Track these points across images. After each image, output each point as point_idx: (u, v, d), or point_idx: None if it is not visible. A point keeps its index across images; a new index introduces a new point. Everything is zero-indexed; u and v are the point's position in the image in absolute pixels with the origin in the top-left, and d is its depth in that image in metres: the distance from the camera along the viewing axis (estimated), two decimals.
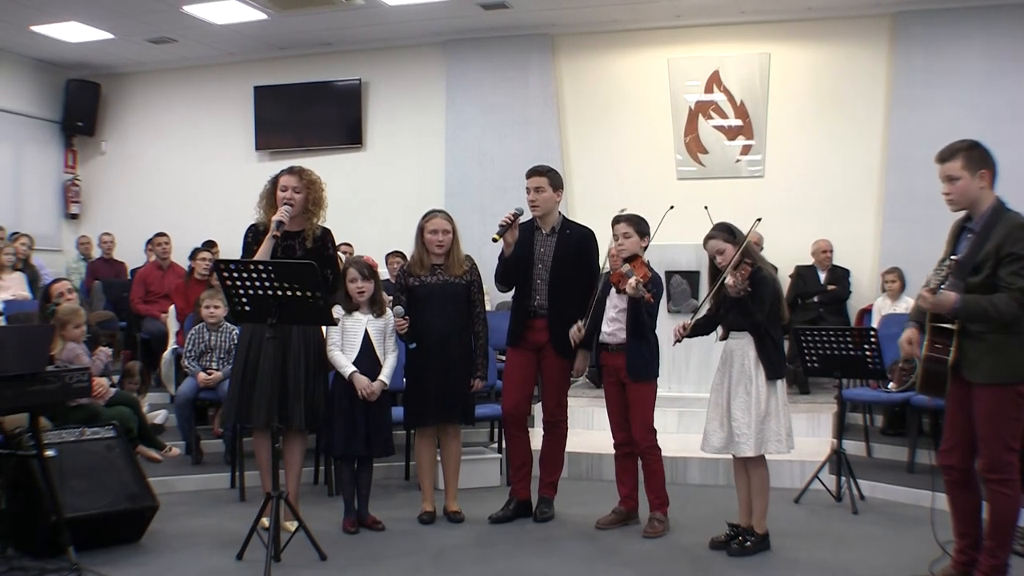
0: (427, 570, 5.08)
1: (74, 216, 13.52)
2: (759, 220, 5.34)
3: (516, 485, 6.14)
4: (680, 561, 5.22)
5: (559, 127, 11.43)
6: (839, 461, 6.56)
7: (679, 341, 5.42)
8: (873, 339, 6.59)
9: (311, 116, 12.36)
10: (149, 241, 10.80)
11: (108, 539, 5.29)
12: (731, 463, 5.54)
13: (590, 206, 10.62)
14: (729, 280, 5.08)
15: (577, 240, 6.06)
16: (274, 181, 5.74)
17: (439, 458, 6.20)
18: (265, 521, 5.06)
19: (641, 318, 5.61)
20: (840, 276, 9.91)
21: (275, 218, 5.47)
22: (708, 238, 5.36)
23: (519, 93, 11.54)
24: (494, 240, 5.80)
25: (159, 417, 8.17)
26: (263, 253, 5.44)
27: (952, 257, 4.28)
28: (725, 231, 5.33)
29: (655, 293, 5.53)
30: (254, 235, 5.71)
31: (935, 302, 4.20)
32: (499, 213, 6.49)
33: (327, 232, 5.80)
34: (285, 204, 5.52)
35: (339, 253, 6.58)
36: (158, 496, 5.63)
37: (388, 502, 6.42)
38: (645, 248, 5.73)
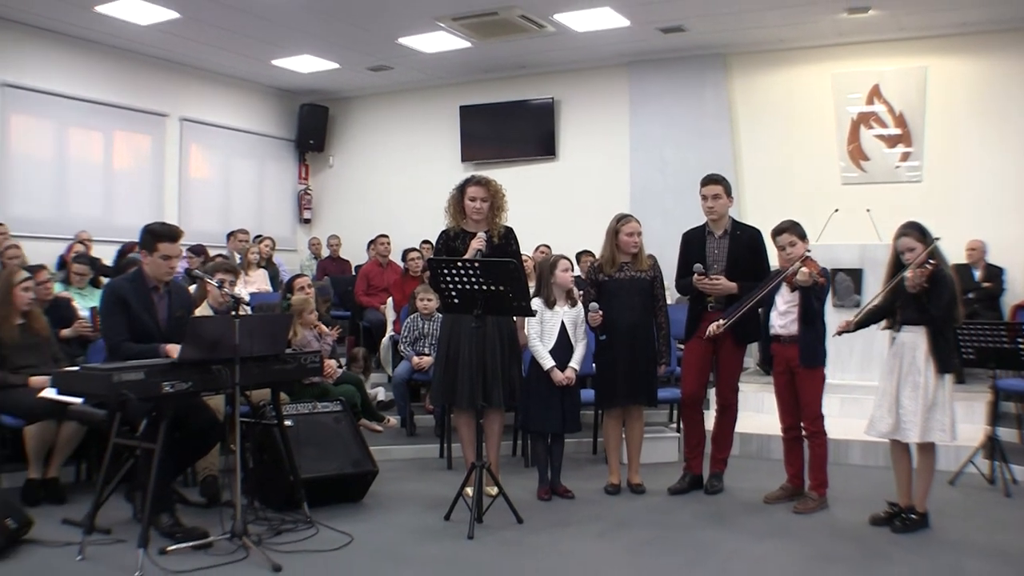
0: (611, 535, 5.11)
1: (306, 221, 14.17)
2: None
3: (691, 461, 6.12)
4: (845, 536, 5.07)
5: (732, 138, 11.28)
6: (992, 447, 6.28)
7: (840, 334, 5.35)
8: None
9: (510, 131, 12.58)
10: (372, 241, 11.19)
11: (335, 498, 5.55)
12: (889, 446, 5.34)
13: (761, 210, 10.41)
14: (909, 274, 4.92)
15: (748, 240, 5.98)
16: (461, 190, 5.89)
17: (624, 436, 6.21)
18: (469, 490, 5.20)
19: (812, 306, 5.45)
20: (995, 274, 9.48)
21: (475, 248, 5.59)
22: (900, 234, 5.15)
23: (696, 108, 11.44)
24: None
25: (379, 394, 8.47)
26: None
27: None
28: (917, 230, 5.12)
29: (825, 278, 5.45)
30: (444, 240, 5.88)
31: None
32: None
33: (510, 230, 5.90)
34: (477, 247, 5.60)
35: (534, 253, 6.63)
36: (378, 462, 5.86)
37: (577, 473, 6.47)
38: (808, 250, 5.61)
